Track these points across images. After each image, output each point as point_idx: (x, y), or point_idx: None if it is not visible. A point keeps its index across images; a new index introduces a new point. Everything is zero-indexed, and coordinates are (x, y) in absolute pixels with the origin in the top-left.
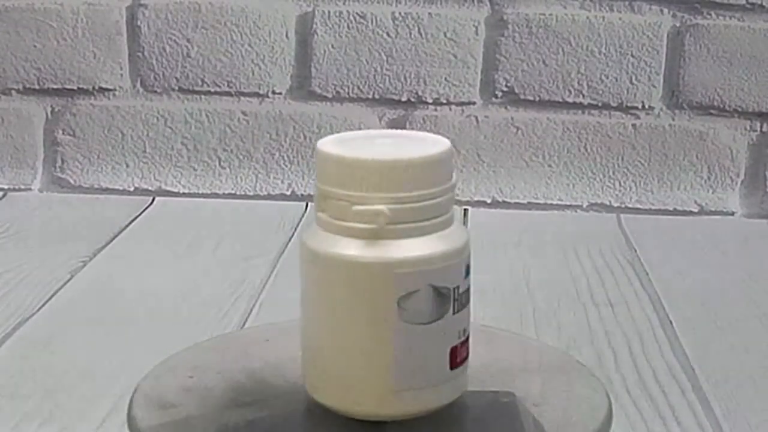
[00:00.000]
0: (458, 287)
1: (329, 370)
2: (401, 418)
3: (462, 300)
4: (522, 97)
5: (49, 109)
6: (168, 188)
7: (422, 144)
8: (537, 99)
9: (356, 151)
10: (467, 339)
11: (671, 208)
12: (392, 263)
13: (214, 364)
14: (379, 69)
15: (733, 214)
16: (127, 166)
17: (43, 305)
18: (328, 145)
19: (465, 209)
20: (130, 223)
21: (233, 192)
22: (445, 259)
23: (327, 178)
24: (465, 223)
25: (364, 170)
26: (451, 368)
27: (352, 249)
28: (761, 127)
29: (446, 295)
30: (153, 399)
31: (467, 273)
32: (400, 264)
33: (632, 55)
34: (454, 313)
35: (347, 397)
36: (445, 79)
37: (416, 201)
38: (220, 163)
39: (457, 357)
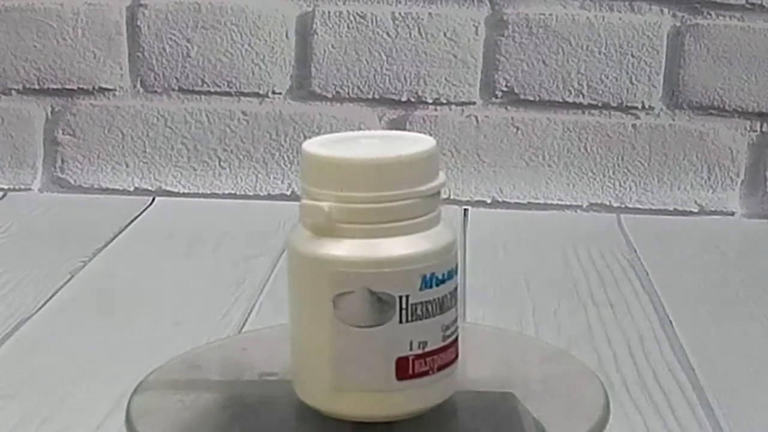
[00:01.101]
0: (407, 296)
1: (295, 362)
2: (346, 418)
3: (417, 311)
4: (522, 97)
5: (49, 109)
6: (168, 188)
7: (401, 146)
8: (537, 99)
9: (321, 149)
10: (433, 353)
11: (671, 208)
12: (327, 260)
13: (212, 367)
14: (379, 69)
15: (733, 214)
16: (127, 166)
17: (43, 305)
18: (310, 142)
19: (465, 209)
20: (130, 223)
21: (233, 192)
22: (385, 265)
23: (300, 171)
24: (465, 223)
25: (313, 166)
26: (399, 379)
27: (301, 241)
28: (761, 127)
29: (388, 302)
30: (151, 401)
31: (430, 284)
32: (335, 262)
33: (632, 55)
34: (401, 323)
35: (304, 390)
36: (445, 79)
37: (360, 202)
38: (220, 163)
39: (409, 369)
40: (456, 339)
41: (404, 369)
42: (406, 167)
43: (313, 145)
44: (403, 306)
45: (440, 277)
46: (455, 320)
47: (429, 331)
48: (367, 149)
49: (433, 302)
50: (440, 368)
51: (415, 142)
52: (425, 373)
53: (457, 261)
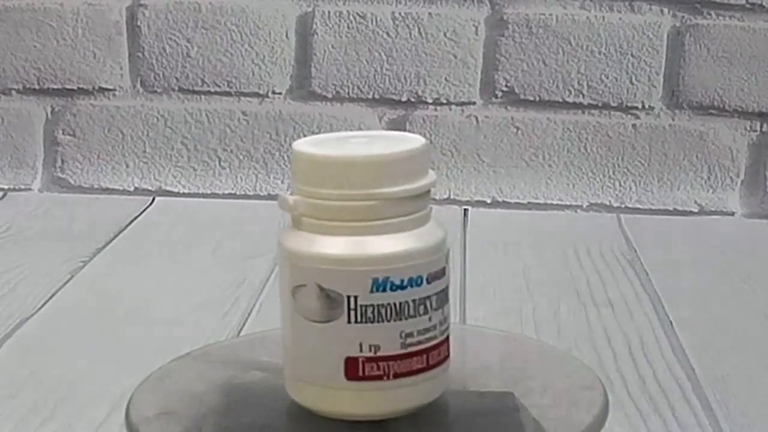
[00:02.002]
0: (356, 297)
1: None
2: (305, 407)
3: (367, 313)
4: (522, 97)
5: (49, 109)
6: (168, 188)
7: (382, 146)
8: (537, 99)
9: (300, 145)
10: (388, 359)
11: (671, 208)
12: (289, 252)
13: (211, 369)
14: (379, 69)
15: (733, 214)
16: (127, 166)
17: (43, 305)
18: (303, 139)
19: (465, 209)
20: (130, 223)
21: (233, 192)
22: (333, 263)
23: None
24: (465, 223)
25: (293, 161)
26: (349, 378)
27: (282, 232)
28: (761, 127)
29: (336, 299)
30: (150, 402)
31: (383, 288)
32: (293, 255)
33: (632, 55)
34: (350, 322)
35: (285, 378)
36: (445, 79)
37: (318, 198)
38: (220, 163)
39: (359, 370)
40: (430, 349)
41: (353, 369)
42: (365, 167)
43: (300, 142)
44: (352, 306)
45: (397, 283)
46: (427, 330)
47: (382, 336)
48: (344, 148)
49: (388, 307)
50: (398, 376)
51: (402, 143)
52: (378, 378)
53: (436, 269)
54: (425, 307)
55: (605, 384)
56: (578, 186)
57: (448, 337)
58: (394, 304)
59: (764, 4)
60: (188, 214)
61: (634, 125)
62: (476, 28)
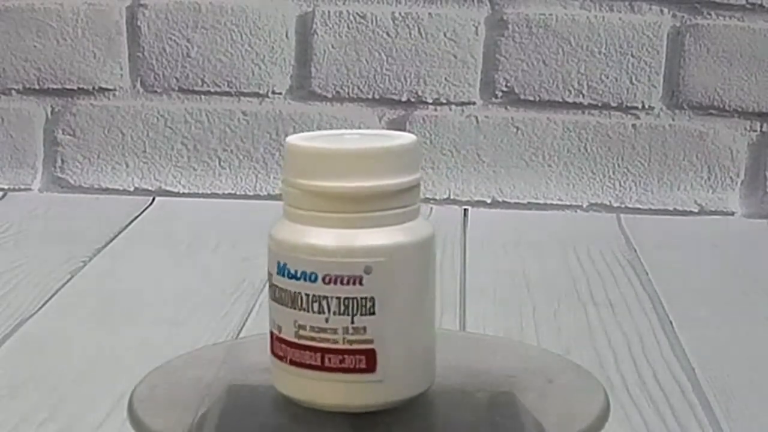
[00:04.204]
0: (272, 276)
1: None
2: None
3: (275, 293)
4: (522, 97)
5: (49, 109)
6: (168, 188)
7: (361, 142)
8: (537, 99)
9: (292, 137)
10: (286, 343)
11: (671, 208)
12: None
13: (212, 369)
14: (379, 69)
15: (733, 214)
16: (127, 166)
17: (43, 305)
18: (301, 134)
19: (465, 209)
20: (130, 223)
21: (233, 192)
22: (270, 242)
23: None
24: (465, 223)
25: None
26: (271, 351)
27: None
28: (761, 127)
29: (269, 274)
30: (150, 402)
31: (282, 273)
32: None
33: (632, 55)
34: (270, 298)
35: None
36: (445, 79)
37: (285, 184)
38: (220, 163)
39: (273, 346)
40: (326, 350)
41: (272, 344)
42: (295, 157)
43: (294, 136)
44: (270, 283)
45: (291, 272)
46: (322, 329)
47: (283, 319)
48: (324, 142)
49: (286, 293)
50: (293, 363)
51: (384, 140)
52: (281, 358)
53: (339, 274)
54: (320, 306)
55: (605, 384)
56: (578, 186)
57: (370, 352)
58: (290, 292)
59: (764, 4)
60: (188, 214)
61: (634, 125)
62: (476, 28)
